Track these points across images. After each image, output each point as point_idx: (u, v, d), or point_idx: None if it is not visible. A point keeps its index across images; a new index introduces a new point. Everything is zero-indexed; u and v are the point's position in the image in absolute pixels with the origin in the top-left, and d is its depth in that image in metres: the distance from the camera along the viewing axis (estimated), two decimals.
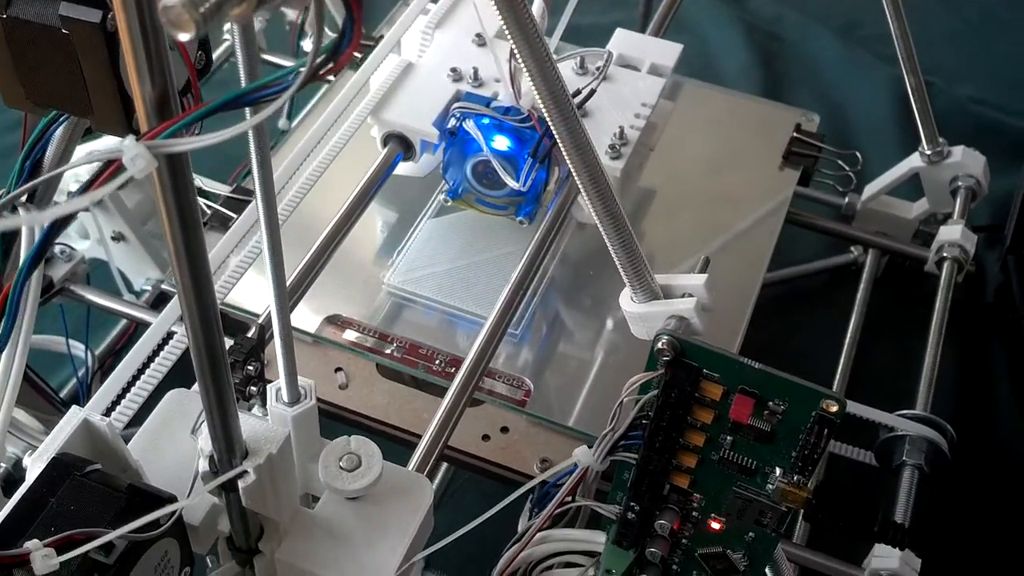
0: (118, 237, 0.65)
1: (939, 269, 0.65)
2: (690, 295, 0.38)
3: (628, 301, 0.39)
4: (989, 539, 0.59)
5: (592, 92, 0.50)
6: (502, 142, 0.51)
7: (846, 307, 0.69)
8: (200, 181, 0.61)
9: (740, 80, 0.91)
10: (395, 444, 0.54)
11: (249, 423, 0.34)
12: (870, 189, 0.71)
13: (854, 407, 0.55)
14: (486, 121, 0.51)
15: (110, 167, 0.30)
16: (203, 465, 0.34)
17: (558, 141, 0.34)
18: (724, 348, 0.33)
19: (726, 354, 0.33)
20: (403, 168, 0.55)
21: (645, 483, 0.37)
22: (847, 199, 0.72)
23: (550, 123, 0.33)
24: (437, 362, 0.53)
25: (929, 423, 0.53)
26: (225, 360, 0.30)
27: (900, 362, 0.62)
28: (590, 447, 0.38)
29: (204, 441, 0.33)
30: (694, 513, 0.38)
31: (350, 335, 0.54)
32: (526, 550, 0.40)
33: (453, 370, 0.52)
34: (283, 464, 0.34)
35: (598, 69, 0.53)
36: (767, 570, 0.39)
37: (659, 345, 0.34)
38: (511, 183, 0.50)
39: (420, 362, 0.53)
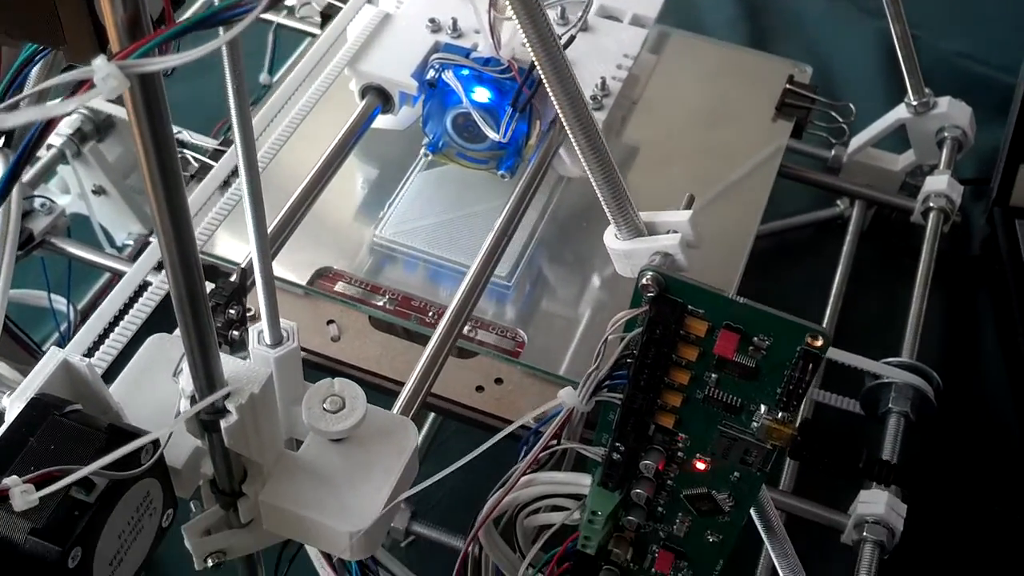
0: (99, 191, 0.65)
1: (925, 220, 0.64)
2: (675, 231, 0.38)
3: (612, 239, 0.39)
4: (974, 486, 0.60)
5: (572, 39, 0.49)
6: (482, 94, 0.50)
7: (833, 259, 0.69)
8: (187, 135, 0.61)
9: (726, 32, 0.90)
10: (389, 397, 0.53)
11: (231, 363, 0.34)
12: (856, 141, 0.71)
13: (841, 355, 0.55)
14: (466, 72, 0.50)
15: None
16: (185, 405, 0.33)
17: (541, 74, 0.34)
18: (709, 284, 0.33)
19: (711, 289, 0.33)
20: (382, 121, 0.54)
21: (630, 423, 0.37)
22: (833, 152, 0.72)
23: (534, 56, 0.33)
24: (430, 314, 0.53)
25: (915, 371, 0.53)
26: (204, 295, 0.29)
27: (887, 313, 0.62)
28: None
29: (185, 381, 0.33)
30: (679, 453, 0.38)
31: (342, 288, 0.54)
32: (511, 494, 0.40)
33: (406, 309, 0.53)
34: (265, 404, 0.34)
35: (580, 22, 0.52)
36: (752, 511, 0.39)
37: (643, 281, 0.33)
38: (491, 135, 0.49)
39: (412, 314, 0.53)
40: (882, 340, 0.59)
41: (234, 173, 0.53)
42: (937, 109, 0.68)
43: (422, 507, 0.58)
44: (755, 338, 0.33)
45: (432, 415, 0.59)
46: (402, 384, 0.52)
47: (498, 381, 0.52)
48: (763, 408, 0.35)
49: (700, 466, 0.38)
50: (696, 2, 0.94)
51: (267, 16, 0.79)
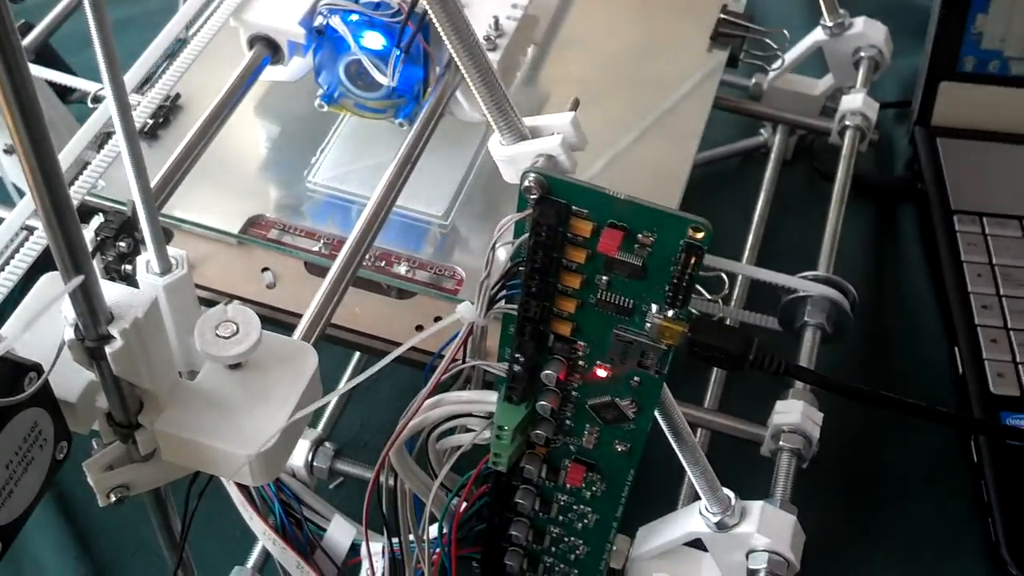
0: (10, 150, 0.64)
1: (842, 140, 0.65)
2: (558, 134, 0.38)
3: (496, 145, 0.39)
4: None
5: None
6: (374, 39, 0.49)
7: (758, 187, 0.70)
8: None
9: None
10: (327, 343, 0.53)
11: (115, 291, 0.33)
12: (776, 67, 0.71)
13: (758, 272, 0.55)
14: (355, 17, 0.49)
15: None
16: (68, 334, 0.33)
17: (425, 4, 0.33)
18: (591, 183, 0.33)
19: (593, 187, 0.33)
20: (273, 73, 0.53)
21: (527, 332, 0.36)
22: (754, 79, 0.72)
23: None
24: (367, 256, 0.52)
25: (830, 283, 0.53)
26: (72, 212, 0.29)
27: (813, 237, 0.61)
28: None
29: (66, 308, 0.32)
30: (580, 362, 0.38)
31: (276, 234, 0.53)
32: (417, 417, 0.40)
33: (384, 264, 0.52)
34: (152, 329, 0.34)
35: None
36: (660, 419, 0.39)
37: (526, 183, 0.33)
38: (380, 79, 0.48)
39: None
40: (808, 264, 0.59)
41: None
42: (852, 30, 0.68)
43: (351, 448, 0.58)
44: (639, 235, 0.33)
45: (358, 354, 0.59)
46: (339, 327, 0.52)
47: (438, 319, 0.51)
48: (654, 307, 0.34)
49: (601, 373, 0.38)
50: None
51: None
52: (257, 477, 0.36)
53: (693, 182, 0.62)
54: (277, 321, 0.51)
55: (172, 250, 0.37)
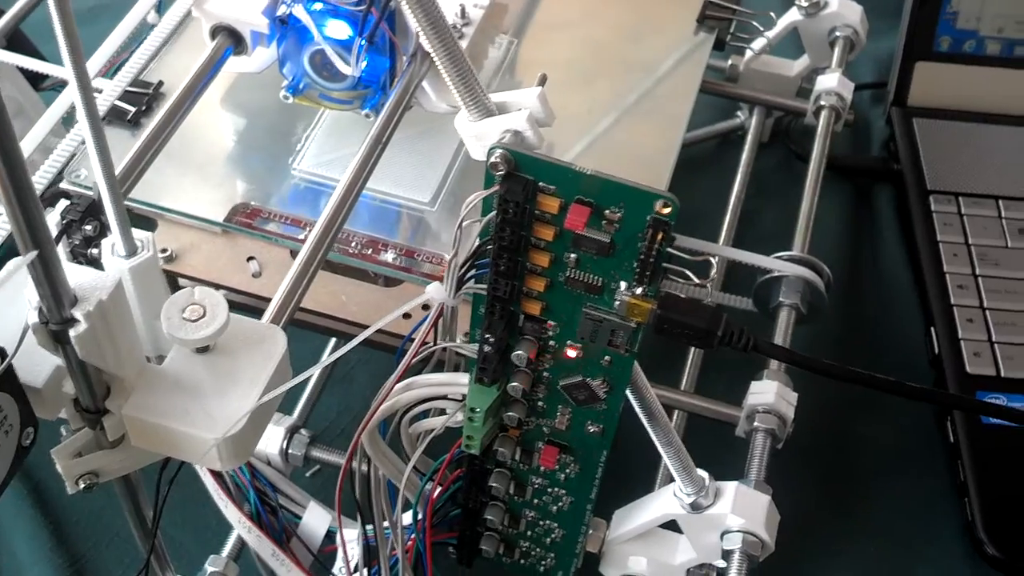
0: None
1: (818, 120, 0.64)
2: (524, 109, 0.37)
3: (463, 122, 0.38)
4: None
5: None
6: (339, 28, 0.48)
7: (736, 169, 0.69)
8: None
9: None
10: (313, 332, 0.53)
11: (79, 273, 0.33)
12: (752, 49, 0.71)
13: (731, 252, 0.55)
14: (319, 6, 0.48)
15: None
16: (32, 317, 0.33)
17: None
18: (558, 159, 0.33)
19: (559, 163, 0.33)
20: (236, 64, 0.52)
21: (496, 311, 0.36)
22: (730, 61, 0.72)
23: None
24: (353, 244, 0.52)
25: (804, 263, 0.53)
26: (31, 190, 0.28)
27: (790, 219, 0.61)
28: None
29: (30, 291, 0.32)
30: (551, 342, 0.38)
31: (261, 222, 0.53)
32: (388, 400, 0.39)
33: (371, 251, 0.51)
34: (117, 312, 0.33)
35: None
36: (632, 400, 0.39)
37: (492, 159, 0.33)
38: (344, 69, 0.47)
39: (335, 245, 0.52)
40: (785, 245, 0.59)
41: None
42: (827, 9, 0.68)
43: (328, 435, 0.58)
44: (607, 210, 0.33)
45: (333, 340, 0.59)
46: (326, 316, 0.51)
47: (425, 307, 0.51)
48: (623, 285, 0.34)
49: (571, 353, 0.37)
50: None
51: None
52: (226, 461, 0.36)
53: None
54: (263, 311, 0.51)
55: (138, 233, 0.36)
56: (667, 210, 0.32)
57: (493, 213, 0.34)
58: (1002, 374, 0.57)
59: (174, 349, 0.37)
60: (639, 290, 0.34)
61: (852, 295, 0.64)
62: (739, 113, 0.75)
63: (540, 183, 0.33)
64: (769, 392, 0.48)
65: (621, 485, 0.47)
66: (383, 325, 0.37)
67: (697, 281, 0.53)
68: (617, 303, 0.35)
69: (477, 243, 0.35)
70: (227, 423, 0.35)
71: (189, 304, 0.36)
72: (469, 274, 0.36)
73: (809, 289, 0.53)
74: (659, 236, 0.33)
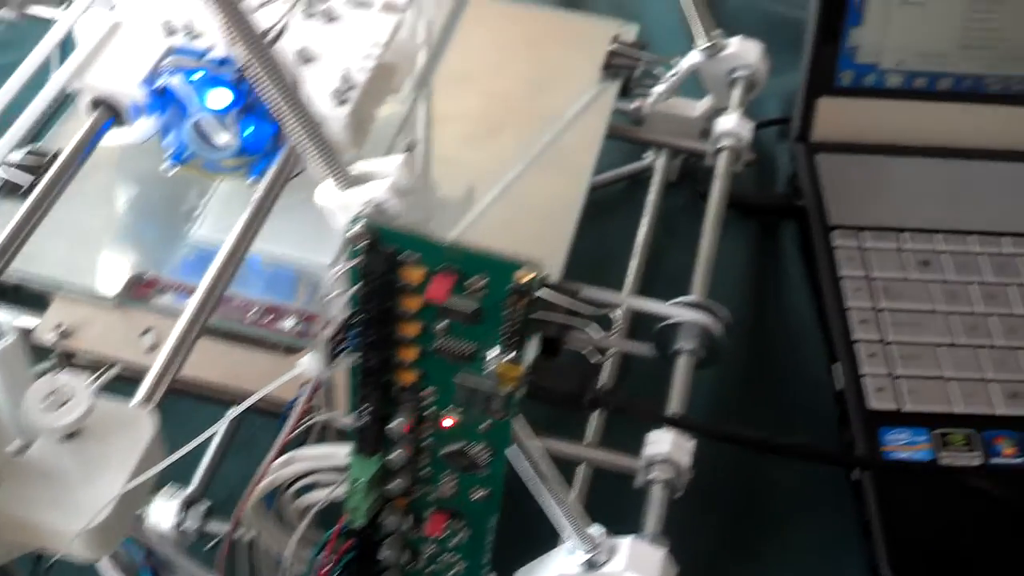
0: None
1: (717, 161, 0.65)
2: (385, 178, 0.37)
3: (324, 193, 0.38)
4: (769, 417, 0.60)
5: (282, 31, 0.46)
6: (220, 96, 0.47)
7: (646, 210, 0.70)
8: None
9: None
10: (210, 403, 0.52)
11: None
12: (656, 91, 0.71)
13: (630, 300, 0.55)
14: (199, 75, 0.47)
15: None
16: None
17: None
18: (422, 230, 0.32)
19: (419, 234, 0.32)
20: (117, 136, 0.51)
21: (370, 383, 0.36)
22: (634, 104, 0.72)
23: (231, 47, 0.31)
24: (252, 312, 0.51)
25: (701, 308, 0.53)
26: None
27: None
28: None
29: None
30: (429, 410, 0.37)
31: (156, 294, 0.52)
32: (267, 477, 0.39)
33: (271, 319, 0.50)
34: None
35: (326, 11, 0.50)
36: (513, 463, 0.39)
37: (353, 232, 0.32)
38: (223, 139, 0.46)
39: (234, 314, 0.51)
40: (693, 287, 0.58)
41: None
42: (727, 50, 0.68)
43: (230, 504, 0.57)
44: (470, 280, 0.33)
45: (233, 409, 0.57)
46: (224, 389, 0.50)
47: None
48: (491, 352, 0.34)
49: (448, 422, 0.37)
50: None
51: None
52: (94, 551, 0.35)
53: (583, 208, 0.62)
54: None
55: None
56: (528, 279, 0.32)
57: (359, 284, 0.33)
58: (904, 409, 0.57)
59: (40, 437, 0.36)
60: (508, 357, 0.34)
61: (757, 333, 0.64)
62: (647, 155, 0.75)
63: (402, 254, 0.33)
64: (665, 441, 0.47)
65: (530, 543, 0.47)
66: (271, 390, 0.36)
67: (595, 338, 0.54)
68: (488, 370, 0.34)
69: (346, 314, 0.35)
70: (90, 512, 0.34)
71: (52, 390, 0.35)
72: (341, 346, 0.36)
73: (707, 334, 0.53)
74: (521, 304, 0.32)
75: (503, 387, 0.34)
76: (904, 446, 0.56)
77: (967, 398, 0.58)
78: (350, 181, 0.36)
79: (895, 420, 0.57)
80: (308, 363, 0.37)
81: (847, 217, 0.68)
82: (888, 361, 0.59)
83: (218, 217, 0.54)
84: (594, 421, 0.56)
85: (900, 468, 0.52)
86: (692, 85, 0.71)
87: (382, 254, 0.33)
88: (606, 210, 0.73)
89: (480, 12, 0.71)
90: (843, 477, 0.57)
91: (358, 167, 0.37)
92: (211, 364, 0.50)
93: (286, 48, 0.47)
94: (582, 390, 0.33)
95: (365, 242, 0.32)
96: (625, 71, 0.67)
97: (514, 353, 0.34)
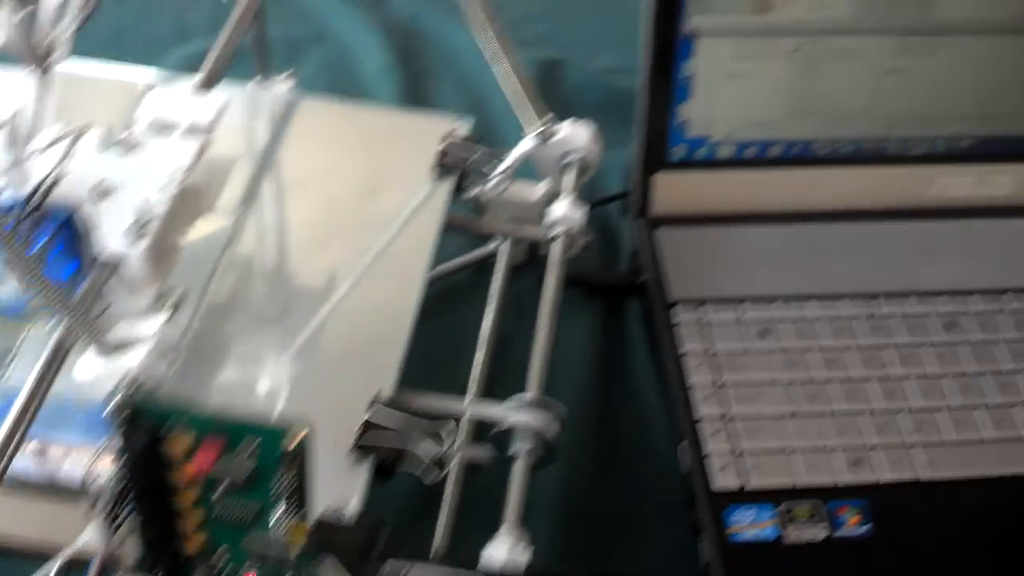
0: None
1: (551, 248, 0.65)
2: (144, 344, 0.36)
3: (80, 369, 0.36)
4: (620, 505, 0.60)
5: (54, 182, 0.44)
6: None
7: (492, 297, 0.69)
8: None
9: (381, 80, 0.90)
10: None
11: None
12: (495, 178, 0.71)
13: (470, 406, 0.55)
14: None
15: None
16: None
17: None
18: (183, 399, 0.31)
19: (180, 406, 0.31)
20: None
21: (154, 552, 0.34)
22: (474, 191, 0.72)
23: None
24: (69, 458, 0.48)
25: (537, 406, 0.53)
26: None
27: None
28: None
29: None
30: (227, 569, 0.36)
31: None
32: None
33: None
34: None
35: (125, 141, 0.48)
36: None
37: (110, 409, 0.31)
38: (5, 288, 0.44)
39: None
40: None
41: None
42: (558, 136, 0.69)
43: None
44: (239, 445, 0.32)
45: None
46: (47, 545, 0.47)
47: None
48: (275, 513, 0.33)
49: None
50: (351, 56, 0.93)
51: None
52: None
53: (428, 298, 0.61)
54: None
55: None
56: (293, 444, 0.31)
57: (123, 459, 0.32)
58: (749, 486, 0.57)
59: None
60: (290, 516, 0.33)
61: (605, 417, 0.64)
62: (493, 239, 0.75)
63: (164, 427, 0.32)
64: (501, 550, 0.47)
65: None
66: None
67: (432, 453, 0.53)
68: (275, 530, 0.33)
69: (118, 487, 0.33)
70: None
71: None
72: (121, 515, 0.34)
73: (539, 434, 0.52)
74: (295, 466, 0.31)
75: (292, 549, 0.33)
76: (750, 525, 0.56)
77: (810, 469, 0.58)
78: (109, 348, 0.35)
79: (740, 498, 0.57)
80: (89, 536, 0.35)
81: (688, 290, 0.68)
82: (731, 437, 0.60)
83: (24, 371, 0.51)
84: (443, 528, 0.56)
85: None
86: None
87: (143, 428, 0.31)
88: (453, 299, 0.73)
89: (313, 114, 0.70)
90: (695, 556, 0.57)
91: (120, 331, 0.36)
92: (26, 519, 0.47)
93: (78, 185, 0.46)
94: (366, 550, 0.33)
95: (124, 416, 0.31)
96: (457, 168, 0.67)
97: (295, 510, 0.33)
